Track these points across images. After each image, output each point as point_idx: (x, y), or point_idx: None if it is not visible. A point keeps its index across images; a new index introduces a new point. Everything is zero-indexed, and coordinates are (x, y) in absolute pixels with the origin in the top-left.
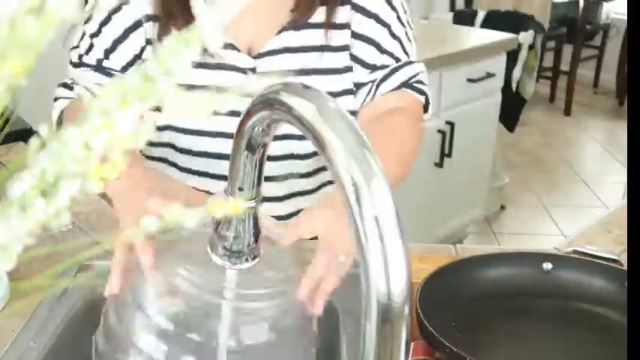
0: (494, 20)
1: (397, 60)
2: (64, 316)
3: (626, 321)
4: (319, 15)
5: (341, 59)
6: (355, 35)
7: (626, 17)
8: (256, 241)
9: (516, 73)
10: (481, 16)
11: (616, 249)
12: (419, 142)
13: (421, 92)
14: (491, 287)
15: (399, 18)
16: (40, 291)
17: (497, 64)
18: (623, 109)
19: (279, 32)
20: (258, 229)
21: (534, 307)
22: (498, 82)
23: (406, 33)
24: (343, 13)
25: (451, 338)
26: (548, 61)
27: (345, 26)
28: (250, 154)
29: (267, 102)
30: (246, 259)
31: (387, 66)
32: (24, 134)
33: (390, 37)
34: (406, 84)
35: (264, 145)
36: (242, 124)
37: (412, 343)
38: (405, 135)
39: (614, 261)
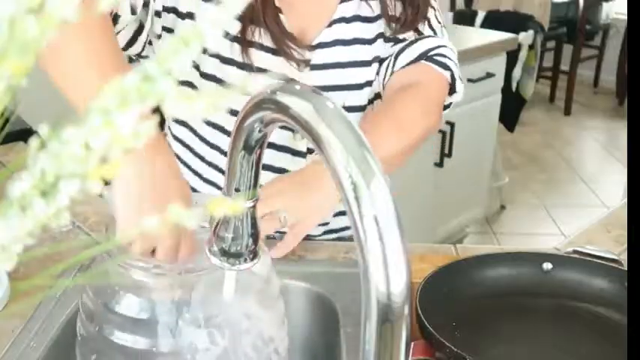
0: (494, 20)
1: (420, 34)
2: (64, 316)
3: (626, 321)
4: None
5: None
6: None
7: (626, 17)
8: (255, 242)
9: (516, 73)
10: (481, 16)
11: (616, 249)
12: (427, 119)
13: (444, 67)
14: (491, 287)
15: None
16: (40, 291)
17: (498, 64)
18: (623, 109)
19: (331, 24)
20: (256, 229)
21: (534, 307)
22: (498, 82)
23: (435, 15)
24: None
25: (451, 338)
26: (548, 61)
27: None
28: (247, 154)
29: (264, 102)
30: (245, 260)
31: (407, 39)
32: (24, 134)
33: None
34: (425, 56)
35: (262, 146)
36: (239, 124)
37: (412, 343)
38: (404, 111)
39: (614, 261)
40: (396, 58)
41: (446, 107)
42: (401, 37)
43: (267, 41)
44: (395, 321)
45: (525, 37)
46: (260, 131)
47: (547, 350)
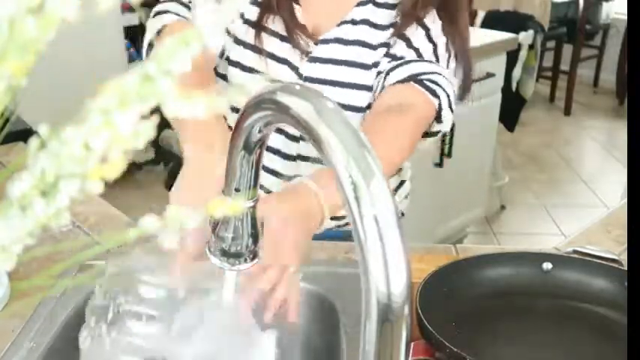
0: (494, 20)
1: (420, 56)
2: (64, 316)
3: (626, 321)
4: (376, 14)
5: (377, 55)
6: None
7: (626, 17)
8: (255, 242)
9: (516, 73)
10: (481, 15)
11: (616, 249)
12: (407, 143)
13: (433, 93)
14: (491, 287)
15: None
16: (40, 291)
17: (498, 64)
18: (623, 109)
19: (340, 24)
20: (256, 230)
21: (534, 307)
22: (498, 82)
23: (446, 44)
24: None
25: (451, 338)
26: (548, 61)
27: (393, 26)
28: (247, 154)
29: (264, 102)
30: (245, 260)
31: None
32: (24, 134)
33: (425, 38)
34: (416, 78)
35: (262, 146)
36: (239, 123)
37: (412, 343)
38: (392, 137)
39: (614, 261)
40: (387, 73)
41: (432, 134)
42: (399, 55)
43: (279, 28)
44: (395, 321)
45: (525, 37)
46: (260, 131)
47: (547, 350)
